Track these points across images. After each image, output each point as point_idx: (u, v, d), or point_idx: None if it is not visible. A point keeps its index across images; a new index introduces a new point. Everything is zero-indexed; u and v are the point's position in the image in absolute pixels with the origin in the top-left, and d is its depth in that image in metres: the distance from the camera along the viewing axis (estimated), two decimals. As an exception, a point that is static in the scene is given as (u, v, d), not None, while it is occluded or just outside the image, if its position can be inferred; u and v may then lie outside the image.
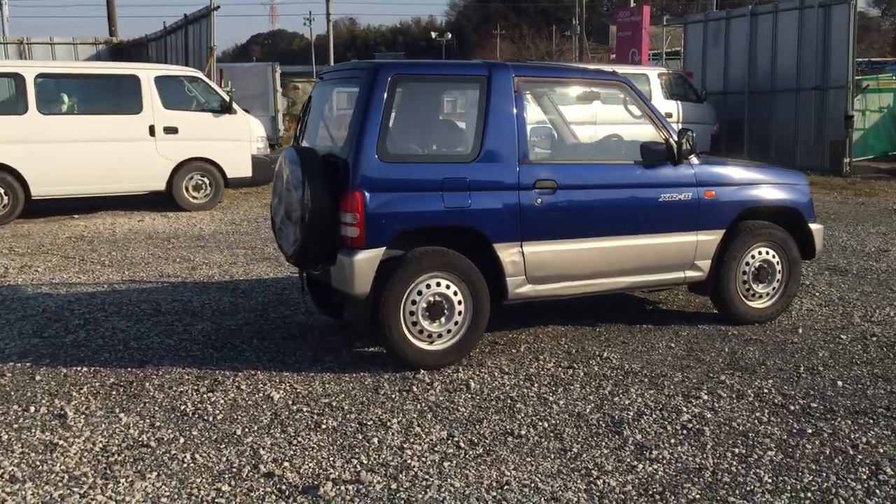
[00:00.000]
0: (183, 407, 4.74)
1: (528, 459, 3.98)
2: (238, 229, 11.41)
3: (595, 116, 11.34)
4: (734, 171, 6.09)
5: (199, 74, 13.68)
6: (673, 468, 3.86)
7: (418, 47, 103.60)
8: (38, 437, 4.35)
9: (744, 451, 4.02)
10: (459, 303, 5.27)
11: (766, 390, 4.83)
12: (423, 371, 5.21)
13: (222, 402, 4.80)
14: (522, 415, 4.53)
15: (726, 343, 5.76)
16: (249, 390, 4.98)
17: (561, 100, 5.74)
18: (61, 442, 4.27)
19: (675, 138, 5.76)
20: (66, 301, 7.25)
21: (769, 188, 6.20)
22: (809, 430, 4.26)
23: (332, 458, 4.03)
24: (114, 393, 4.98)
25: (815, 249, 6.41)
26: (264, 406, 4.73)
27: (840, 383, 4.95)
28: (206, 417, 4.58)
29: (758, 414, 4.49)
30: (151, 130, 12.80)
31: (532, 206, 5.36)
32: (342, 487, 3.72)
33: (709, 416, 4.46)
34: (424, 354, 5.23)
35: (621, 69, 17.98)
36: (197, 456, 4.10)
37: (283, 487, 3.76)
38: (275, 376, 5.21)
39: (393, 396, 4.85)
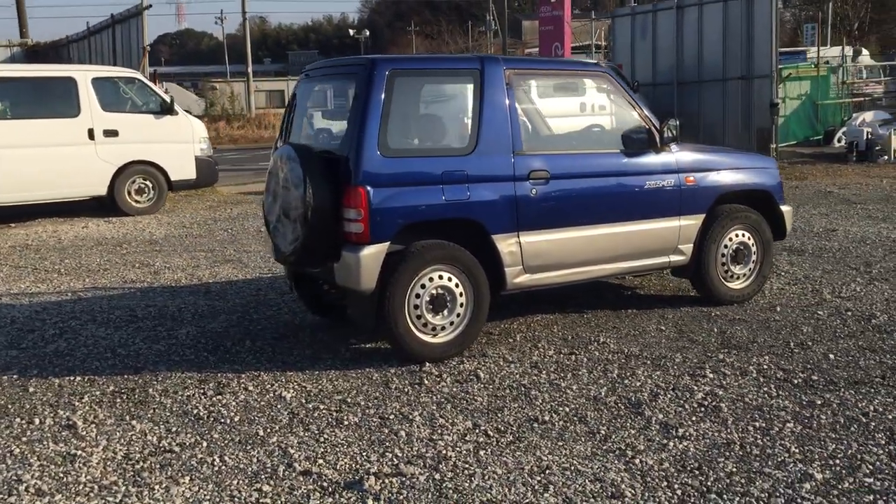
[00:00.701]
0: (195, 411, 4.66)
1: (560, 444, 4.05)
2: (190, 233, 11.20)
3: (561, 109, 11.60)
4: (711, 157, 6.29)
5: (138, 75, 13.38)
6: (702, 444, 3.98)
7: (331, 45, 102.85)
8: (52, 448, 4.23)
9: (764, 425, 4.17)
10: (461, 295, 5.31)
11: (765, 366, 5.02)
12: (428, 364, 5.23)
13: (234, 404, 4.74)
14: (540, 401, 4.60)
15: (713, 324, 5.95)
16: (258, 391, 4.93)
17: (544, 91, 5.82)
18: (79, 452, 4.16)
19: (657, 126, 5.92)
20: (33, 311, 7.02)
21: (743, 172, 6.42)
22: (819, 402, 4.45)
23: (365, 453, 4.03)
24: (118, 401, 4.87)
25: (786, 230, 6.66)
26: (279, 406, 4.69)
27: (832, 356, 5.17)
28: (222, 420, 4.52)
29: (766, 389, 4.66)
30: (90, 134, 12.47)
31: (527, 196, 5.44)
32: (386, 481, 3.73)
33: (720, 393, 4.61)
34: (429, 347, 5.26)
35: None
36: (226, 458, 4.05)
37: (325, 484, 3.75)
38: (279, 376, 5.17)
39: (406, 390, 4.87)
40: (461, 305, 5.32)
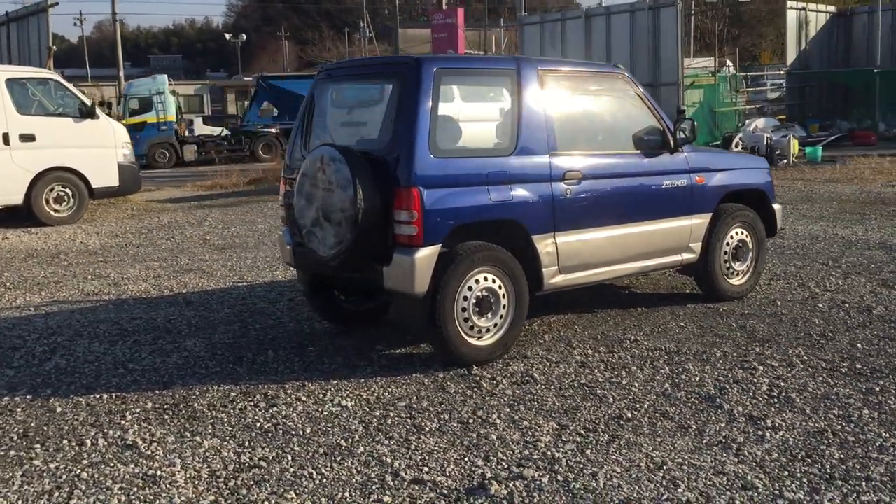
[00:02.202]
0: (258, 424, 4.44)
1: (658, 440, 4.07)
2: (128, 242, 10.67)
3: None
4: (716, 158, 6.48)
5: (56, 76, 12.67)
6: (797, 434, 4.09)
7: (195, 49, 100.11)
8: (124, 470, 3.93)
9: (842, 413, 4.32)
10: (504, 297, 5.27)
11: (805, 357, 5.20)
12: (475, 367, 5.16)
13: (295, 415, 4.54)
14: (611, 399, 4.62)
15: (727, 319, 6.12)
16: (313, 402, 4.73)
17: (572, 92, 5.85)
18: (158, 473, 3.89)
19: (671, 127, 6.06)
20: (3, 328, 6.52)
21: (742, 172, 6.65)
22: (877, 388, 4.65)
23: (468, 459, 3.93)
24: (166, 417, 4.58)
25: (777, 227, 6.94)
26: (344, 415, 4.52)
27: (859, 346, 5.41)
28: (293, 432, 4.31)
29: (821, 379, 4.83)
30: (5, 138, 11.74)
31: (563, 196, 5.46)
32: (510, 485, 3.65)
33: (782, 384, 4.75)
34: (476, 350, 5.19)
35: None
36: (322, 471, 3.87)
37: (445, 492, 3.63)
38: (326, 385, 4.98)
39: (468, 394, 4.78)
40: (504, 307, 5.28)
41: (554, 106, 5.53)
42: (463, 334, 5.13)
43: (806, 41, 23.91)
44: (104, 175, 12.60)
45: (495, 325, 5.25)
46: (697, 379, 4.88)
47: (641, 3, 17.98)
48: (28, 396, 4.99)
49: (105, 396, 4.93)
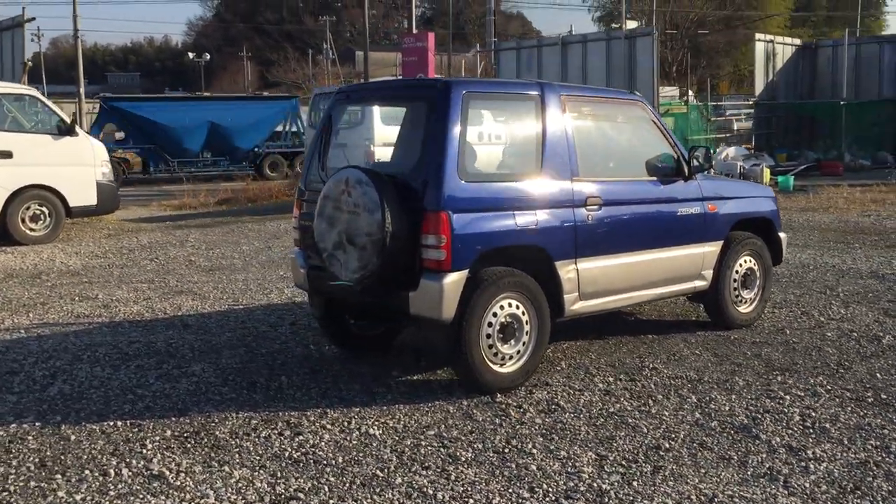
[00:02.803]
0: (286, 453, 4.30)
1: (702, 471, 4.02)
2: (111, 263, 10.42)
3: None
4: (726, 186, 6.51)
5: (35, 93, 12.38)
6: (841, 465, 4.06)
7: (153, 68, 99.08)
8: (154, 502, 3.78)
9: (880, 443, 4.31)
10: (527, 323, 5.20)
11: (828, 387, 5.20)
12: (499, 395, 5.08)
13: (323, 444, 4.41)
14: (645, 429, 4.56)
15: (739, 347, 6.11)
16: (339, 430, 4.61)
17: (592, 117, 5.83)
18: (193, 505, 3.74)
19: (685, 155, 6.07)
20: (-3, 350, 6.30)
21: (750, 201, 6.68)
22: (908, 419, 4.66)
23: (512, 490, 3.84)
24: (188, 445, 4.42)
25: (782, 255, 6.97)
26: (375, 444, 4.40)
27: (879, 375, 5.42)
28: (324, 462, 4.19)
29: (849, 408, 4.82)
30: (-19, 155, 11.39)
31: (584, 222, 5.42)
32: (563, 518, 3.57)
33: (814, 414, 4.72)
34: (499, 378, 5.10)
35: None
36: (363, 502, 3.75)
37: (496, 525, 3.54)
38: (348, 413, 4.86)
39: (496, 422, 4.69)
40: (527, 334, 5.21)
41: (575, 131, 5.50)
42: (487, 361, 5.04)
43: (773, 73, 24.36)
44: (82, 194, 12.33)
45: (518, 351, 5.18)
46: (727, 408, 4.84)
47: (618, 32, 18.18)
48: (37, 423, 4.79)
49: (119, 424, 4.75)
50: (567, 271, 5.35)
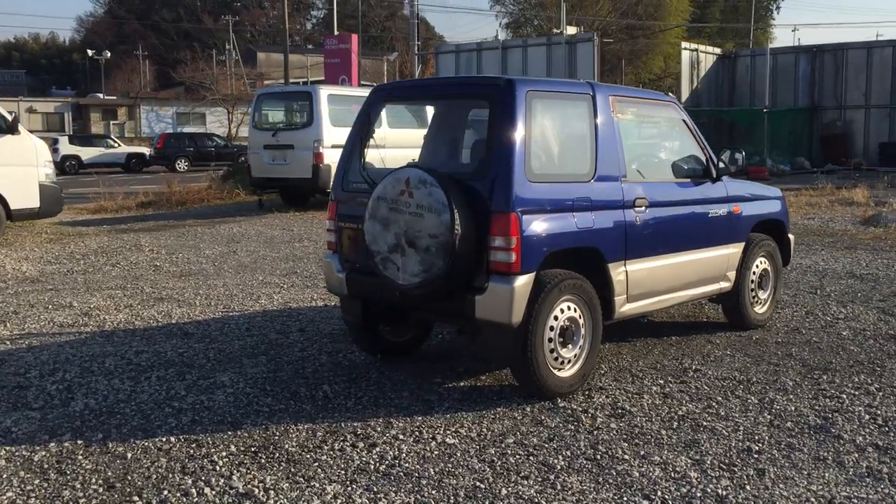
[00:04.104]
0: (371, 466, 4.09)
1: (805, 473, 3.99)
2: (71, 269, 9.86)
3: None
4: (746, 188, 6.57)
5: (-26, 89, 11.58)
6: (935, 461, 4.11)
7: (39, 65, 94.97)
8: (258, 524, 3.52)
9: (958, 439, 4.39)
10: (583, 326, 5.11)
11: (876, 385, 5.27)
12: (560, 400, 4.98)
13: (405, 456, 4.21)
14: (724, 431, 4.51)
15: (768, 347, 6.16)
16: (412, 439, 4.41)
17: (635, 118, 5.79)
18: (301, 525, 3.50)
19: (713, 157, 6.10)
20: (-8, 363, 5.84)
21: (765, 203, 6.76)
22: (970, 415, 4.76)
23: (627, 498, 3.73)
24: (262, 460, 4.15)
25: (790, 256, 7.09)
26: (458, 454, 4.23)
27: (916, 373, 5.56)
28: (416, 474, 3.99)
29: (910, 406, 4.91)
30: (-84, 155, 10.63)
31: (633, 223, 5.37)
32: (697, 525, 3.49)
33: (879, 412, 4.77)
34: (560, 382, 5.00)
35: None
36: (481, 517, 3.59)
37: (629, 535, 3.43)
38: (413, 422, 4.67)
39: (570, 427, 4.58)
40: (583, 337, 5.12)
41: (622, 132, 5.45)
42: (549, 366, 4.93)
43: (697, 80, 25.05)
44: (24, 196, 11.65)
45: (575, 355, 5.08)
46: (792, 409, 4.86)
47: (558, 38, 18.34)
48: (79, 441, 4.44)
49: (172, 439, 4.44)
50: (618, 273, 5.29)
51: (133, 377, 5.54)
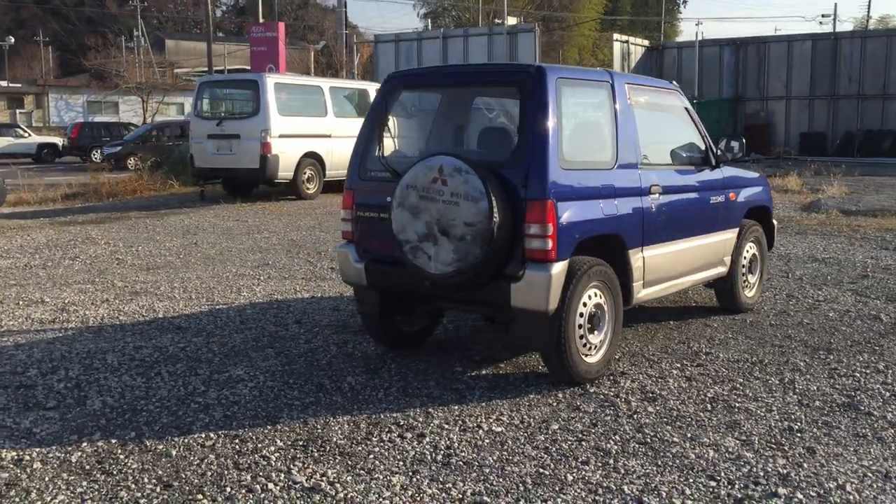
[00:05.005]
0: (428, 456, 4.05)
1: (851, 449, 4.12)
2: (26, 263, 9.45)
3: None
4: (739, 175, 6.73)
5: None
6: (968, 435, 4.30)
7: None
8: (337, 518, 3.46)
9: (980, 413, 4.60)
10: (607, 312, 5.17)
11: (882, 364, 5.48)
12: (590, 386, 5.03)
13: (458, 445, 4.18)
14: (759, 411, 4.62)
15: (765, 330, 6.33)
16: (459, 429, 4.39)
17: (646, 106, 5.85)
18: (381, 518, 3.44)
19: (712, 145, 6.24)
20: (-16, 362, 5.58)
21: (754, 189, 6.93)
22: (981, 390, 4.99)
23: (692, 480, 3.78)
24: (315, 454, 4.07)
25: (773, 241, 7.30)
26: (510, 442, 4.22)
27: (914, 351, 5.80)
28: (476, 463, 3.97)
29: (922, 382, 5.13)
30: None
31: (650, 210, 5.45)
32: (774, 501, 3.57)
33: (897, 389, 4.99)
34: (588, 368, 5.04)
35: (347, 84, 18.03)
36: (559, 501, 3.60)
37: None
38: (451, 412, 4.64)
39: (609, 412, 4.62)
40: (607, 323, 5.17)
41: (638, 120, 5.51)
42: (579, 352, 4.97)
43: (628, 71, 25.51)
44: (-35, 188, 11.08)
45: (601, 341, 5.14)
46: (814, 388, 5.01)
47: (499, 28, 18.42)
48: (112, 440, 4.27)
49: (212, 435, 4.32)
50: (636, 259, 5.36)
51: (142, 373, 5.35)
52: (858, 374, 5.25)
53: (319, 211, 14.23)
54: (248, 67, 34.57)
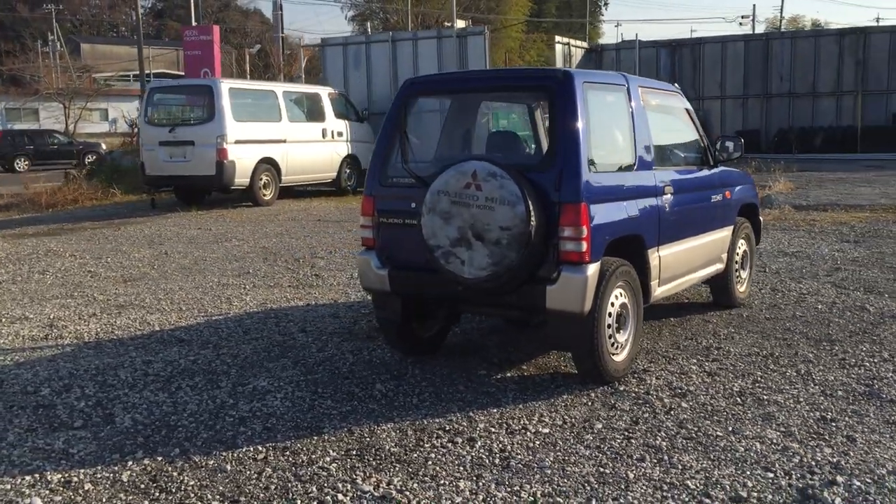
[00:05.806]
0: (485, 461, 4.07)
1: (887, 435, 4.28)
2: (-5, 278, 9.13)
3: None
4: (732, 174, 6.92)
5: None
6: None
7: None
8: (419, 526, 3.46)
9: None
10: (631, 310, 5.27)
11: (886, 353, 5.70)
12: (619, 385, 5.11)
13: (512, 448, 4.22)
14: (789, 403, 4.77)
15: (763, 323, 6.52)
16: (506, 432, 4.42)
17: (656, 109, 5.96)
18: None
19: (711, 144, 6.41)
20: (-10, 383, 5.40)
21: (745, 187, 7.14)
22: None
23: (749, 472, 3.89)
24: (373, 462, 4.06)
25: (760, 237, 7.53)
26: (560, 443, 4.27)
27: (910, 341, 6.05)
28: (537, 465, 4.01)
29: (931, 370, 5.35)
30: None
31: (664, 209, 5.57)
32: (835, 489, 3.69)
33: (912, 377, 5.20)
34: (616, 367, 5.13)
35: (299, 88, 17.84)
36: (630, 498, 3.67)
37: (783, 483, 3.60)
38: (492, 415, 4.67)
39: (647, 409, 4.71)
40: (631, 322, 5.27)
41: (651, 122, 5.63)
42: (608, 351, 5.06)
43: (569, 72, 25.86)
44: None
45: (626, 340, 5.23)
46: (832, 378, 5.19)
47: (449, 31, 18.48)
48: (158, 458, 4.19)
49: (260, 448, 4.26)
50: (653, 258, 5.47)
51: (162, 388, 5.25)
52: (868, 364, 5.45)
53: (281, 217, 14.09)
54: (173, 72, 33.91)
